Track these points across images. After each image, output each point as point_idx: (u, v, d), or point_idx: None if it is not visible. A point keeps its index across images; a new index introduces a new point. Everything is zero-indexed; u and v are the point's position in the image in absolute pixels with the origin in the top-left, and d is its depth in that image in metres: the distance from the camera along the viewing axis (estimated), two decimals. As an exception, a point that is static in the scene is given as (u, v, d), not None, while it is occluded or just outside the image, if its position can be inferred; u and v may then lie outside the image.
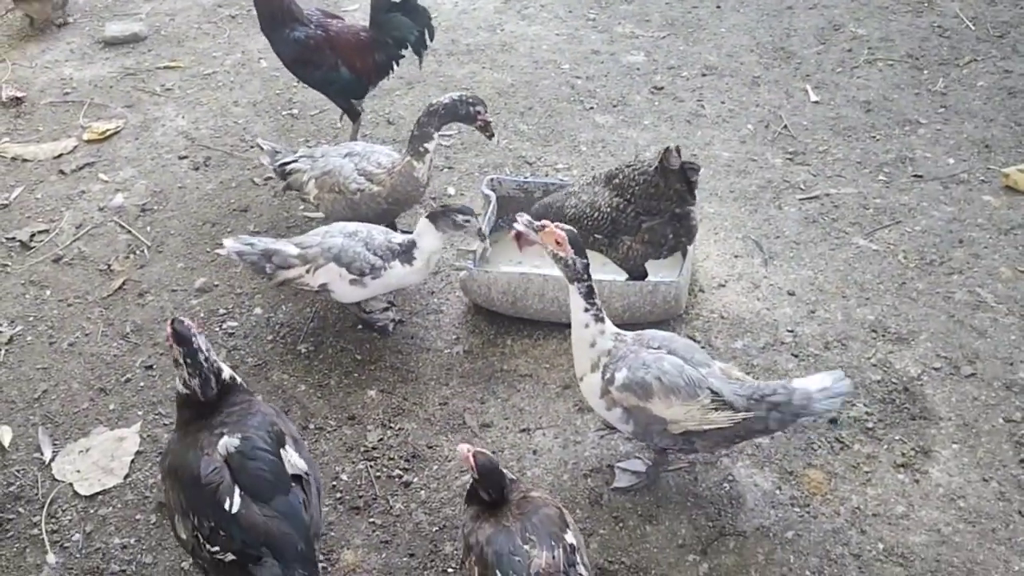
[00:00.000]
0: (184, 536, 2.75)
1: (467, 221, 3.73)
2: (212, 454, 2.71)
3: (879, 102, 5.35)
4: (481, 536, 2.68)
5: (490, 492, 2.78)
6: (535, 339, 3.98)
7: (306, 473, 2.83)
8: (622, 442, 3.53)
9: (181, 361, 2.84)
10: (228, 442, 2.75)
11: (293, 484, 2.76)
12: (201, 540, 2.68)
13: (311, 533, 2.74)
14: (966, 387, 3.68)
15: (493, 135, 4.17)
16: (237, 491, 2.66)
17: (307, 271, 3.79)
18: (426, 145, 4.09)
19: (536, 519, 2.68)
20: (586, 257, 3.11)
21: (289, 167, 4.29)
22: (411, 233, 3.84)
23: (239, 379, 2.99)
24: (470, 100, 4.07)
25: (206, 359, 2.85)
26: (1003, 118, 5.17)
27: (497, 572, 2.57)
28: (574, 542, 2.70)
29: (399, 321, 4.09)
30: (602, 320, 3.14)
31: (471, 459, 2.78)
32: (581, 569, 2.65)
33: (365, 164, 4.15)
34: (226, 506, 2.63)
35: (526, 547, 2.61)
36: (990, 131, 5.08)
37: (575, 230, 3.14)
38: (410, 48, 4.89)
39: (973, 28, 5.94)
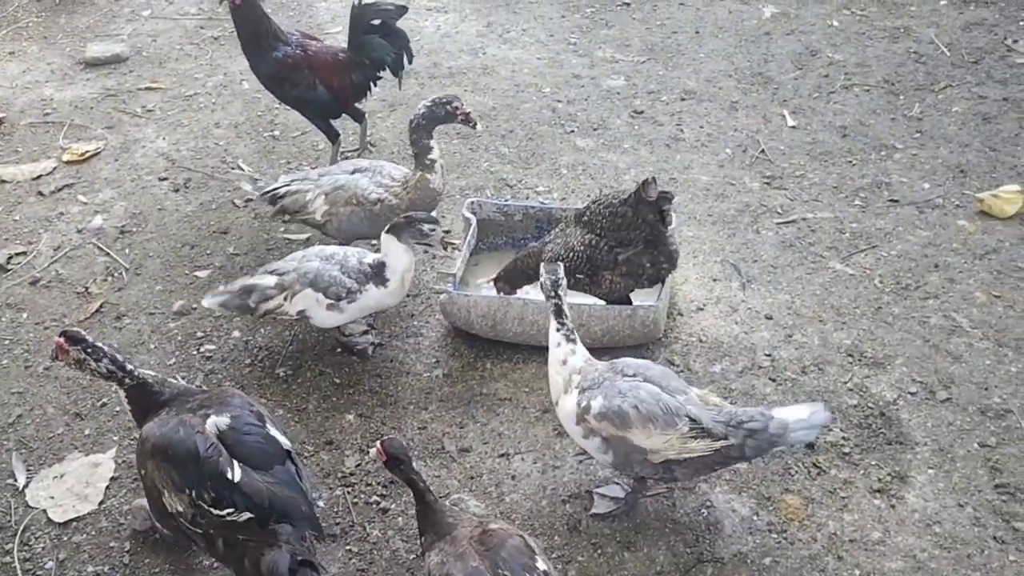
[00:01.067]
0: (180, 508, 2.83)
1: (432, 230, 3.72)
2: (204, 432, 2.84)
3: (855, 127, 5.42)
4: None
5: (402, 468, 2.87)
6: (515, 363, 3.99)
7: (292, 449, 2.97)
8: (600, 467, 3.53)
9: (84, 356, 2.99)
10: (218, 421, 2.88)
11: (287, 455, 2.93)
12: (205, 507, 2.77)
13: (310, 499, 2.89)
14: (942, 412, 3.71)
15: (476, 124, 4.20)
16: (236, 463, 2.79)
17: (285, 298, 3.78)
18: (430, 157, 4.16)
19: (505, 553, 2.70)
20: (556, 275, 3.21)
21: (282, 191, 4.28)
22: (379, 257, 3.82)
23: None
24: (443, 100, 4.13)
25: (105, 355, 3.00)
26: (978, 143, 5.24)
27: None
28: (546, 568, 2.72)
29: (379, 344, 4.09)
30: (573, 341, 3.23)
31: (381, 449, 2.88)
32: None
33: (379, 178, 4.22)
34: (228, 476, 2.76)
35: None
36: (965, 156, 5.14)
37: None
38: (388, 70, 4.92)
39: (948, 54, 6.03)
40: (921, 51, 6.08)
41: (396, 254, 3.76)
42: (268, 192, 4.31)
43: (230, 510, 2.75)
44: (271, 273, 3.86)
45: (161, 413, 2.98)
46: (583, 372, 3.19)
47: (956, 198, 4.85)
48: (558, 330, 3.22)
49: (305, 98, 4.82)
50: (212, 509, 2.76)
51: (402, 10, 4.89)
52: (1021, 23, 6.32)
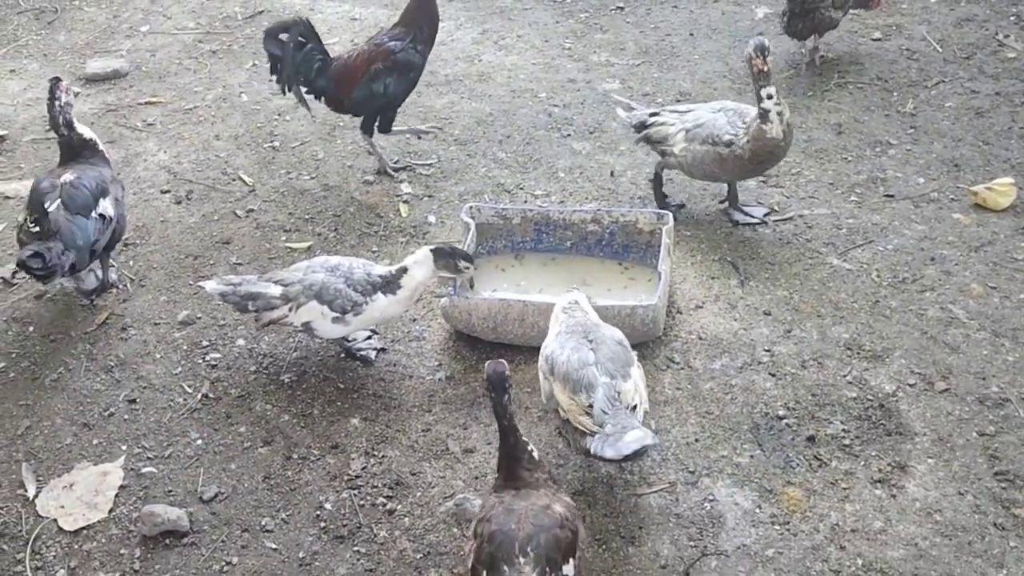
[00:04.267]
0: (20, 220, 4.25)
1: (467, 268, 3.81)
2: (54, 181, 4.21)
3: (850, 124, 5.46)
4: (487, 530, 2.78)
5: (494, 394, 2.96)
6: (516, 364, 4.02)
7: (113, 219, 4.28)
8: (602, 464, 3.56)
9: (51, 100, 4.36)
10: (66, 177, 4.21)
11: (98, 217, 4.19)
12: (26, 225, 4.13)
13: (94, 246, 4.17)
14: (940, 402, 3.74)
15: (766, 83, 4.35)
16: (58, 201, 4.11)
17: (289, 309, 3.82)
18: (764, 106, 4.25)
19: (544, 537, 2.72)
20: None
21: (651, 120, 4.64)
22: (402, 263, 3.86)
23: (101, 147, 4.53)
24: (747, 55, 4.27)
25: (60, 108, 4.35)
26: (971, 137, 5.28)
27: (486, 572, 2.73)
28: (571, 573, 2.74)
29: (382, 349, 4.13)
30: (571, 313, 3.61)
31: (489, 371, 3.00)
32: None
33: (736, 119, 4.39)
34: (45, 205, 4.08)
35: (521, 559, 2.69)
36: (959, 150, 5.19)
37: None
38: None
39: (940, 50, 6.08)
40: (913, 48, 6.13)
41: (423, 269, 3.80)
42: (639, 121, 4.69)
43: (34, 226, 4.05)
44: (276, 283, 3.90)
45: (59, 167, 4.39)
46: (572, 322, 3.53)
47: (951, 192, 4.89)
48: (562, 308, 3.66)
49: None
50: (28, 225, 4.09)
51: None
52: (1011, 18, 6.37)
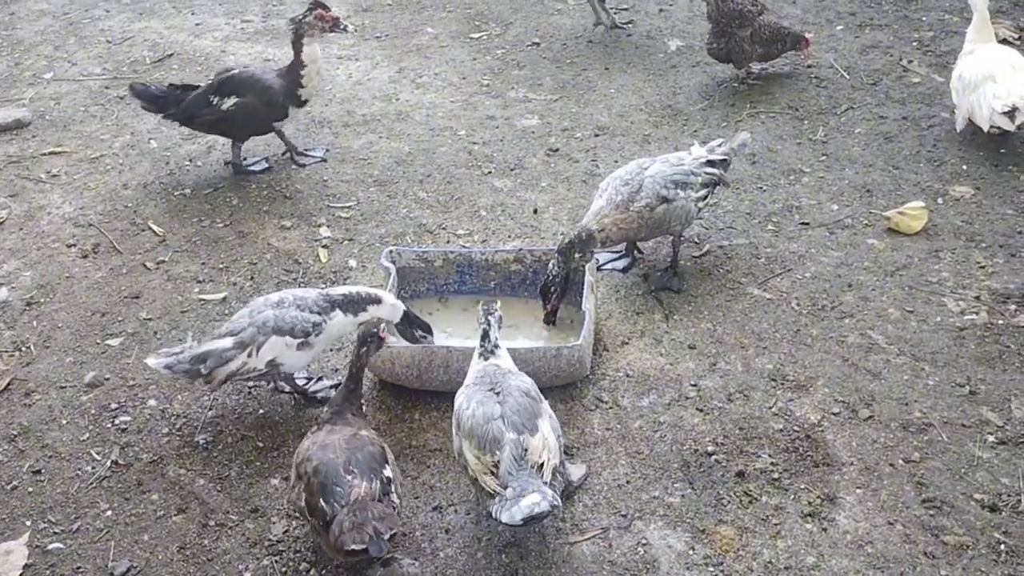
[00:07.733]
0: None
1: (423, 338, 3.89)
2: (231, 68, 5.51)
3: (764, 153, 5.54)
4: (309, 467, 3.12)
5: (358, 345, 3.42)
6: (443, 411, 3.93)
7: (226, 111, 5.23)
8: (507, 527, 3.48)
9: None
10: (234, 70, 5.42)
11: (213, 100, 5.22)
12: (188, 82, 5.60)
13: (191, 116, 5.27)
14: (865, 430, 3.77)
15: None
16: (212, 79, 5.39)
17: (248, 355, 3.67)
18: None
19: (361, 455, 3.13)
20: (492, 308, 3.57)
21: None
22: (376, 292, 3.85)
23: (304, 63, 5.22)
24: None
25: (300, 21, 5.19)
26: (881, 163, 5.41)
27: (321, 499, 3.02)
28: (391, 475, 3.16)
29: (336, 386, 3.96)
30: (484, 358, 3.50)
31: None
32: (395, 497, 3.12)
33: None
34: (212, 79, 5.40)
35: (348, 477, 3.05)
36: (870, 176, 5.30)
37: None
38: None
39: (848, 77, 6.23)
40: (822, 76, 6.28)
41: (389, 311, 3.82)
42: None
43: (186, 87, 5.43)
44: (224, 336, 3.75)
45: None
46: (480, 372, 3.43)
47: (864, 217, 4.98)
48: (478, 350, 3.54)
49: None
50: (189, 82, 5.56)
51: None
52: (914, 44, 6.58)
